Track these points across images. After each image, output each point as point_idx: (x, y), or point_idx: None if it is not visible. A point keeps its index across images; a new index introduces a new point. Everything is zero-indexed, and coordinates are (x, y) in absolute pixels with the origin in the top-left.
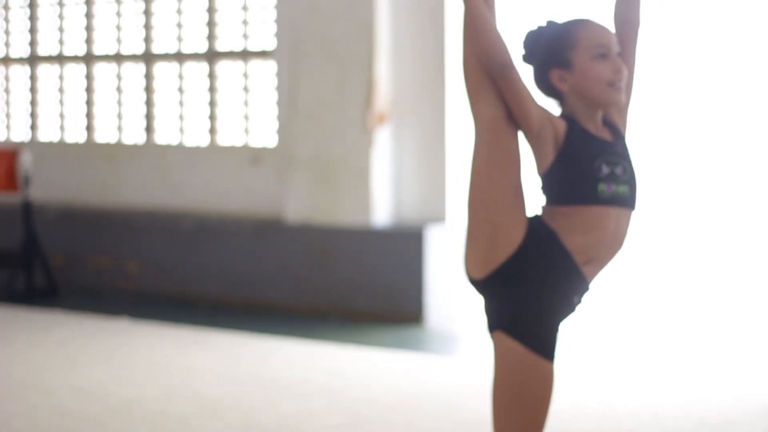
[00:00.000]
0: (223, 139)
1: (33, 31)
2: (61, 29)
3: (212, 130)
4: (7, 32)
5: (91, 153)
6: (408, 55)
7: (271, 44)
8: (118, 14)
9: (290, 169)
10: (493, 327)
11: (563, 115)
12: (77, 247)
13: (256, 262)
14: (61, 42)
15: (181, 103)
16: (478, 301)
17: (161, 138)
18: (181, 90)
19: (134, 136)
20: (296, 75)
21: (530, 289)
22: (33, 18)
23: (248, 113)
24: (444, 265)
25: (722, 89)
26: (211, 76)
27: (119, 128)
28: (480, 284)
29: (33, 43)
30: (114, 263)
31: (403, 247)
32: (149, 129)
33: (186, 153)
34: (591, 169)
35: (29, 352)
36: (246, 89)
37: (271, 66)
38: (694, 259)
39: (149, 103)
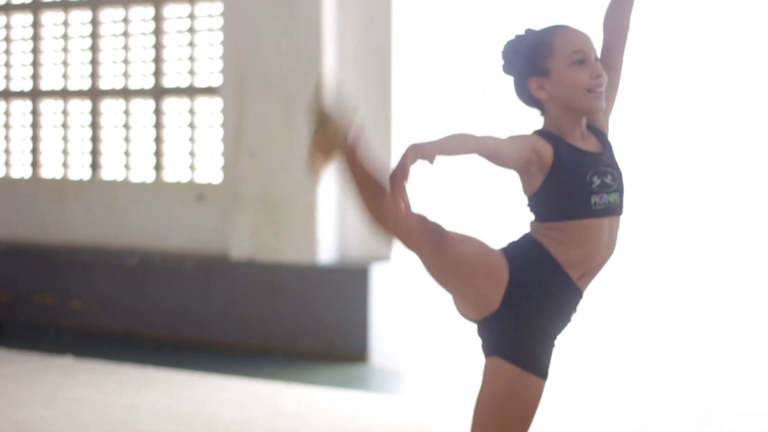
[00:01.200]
0: (169, 176)
1: None
2: (7, 65)
3: (158, 167)
4: None
5: (37, 189)
6: (354, 90)
7: (217, 81)
8: (65, 50)
9: (236, 206)
10: (489, 353)
11: (547, 132)
12: (22, 283)
13: (201, 299)
14: (7, 78)
15: (127, 139)
16: (423, 338)
17: (107, 174)
18: (127, 126)
19: (80, 171)
20: (242, 112)
21: (527, 313)
22: None
23: (194, 150)
24: (389, 303)
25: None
26: (158, 112)
27: (65, 164)
28: (477, 322)
29: None
30: (58, 300)
31: (348, 284)
32: (95, 165)
33: (132, 189)
34: (583, 184)
35: None
36: (192, 126)
37: (217, 103)
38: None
39: (95, 138)
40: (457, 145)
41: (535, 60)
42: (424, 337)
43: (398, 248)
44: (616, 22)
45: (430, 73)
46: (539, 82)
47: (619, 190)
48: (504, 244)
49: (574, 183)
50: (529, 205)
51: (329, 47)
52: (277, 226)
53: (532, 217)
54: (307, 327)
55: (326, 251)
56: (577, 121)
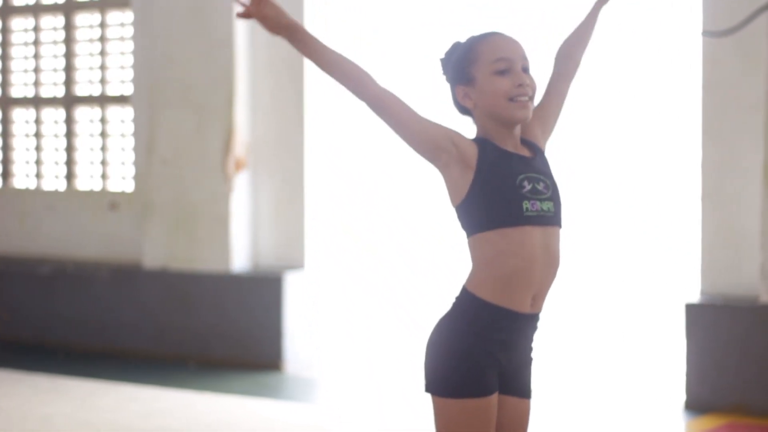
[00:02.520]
0: (82, 184)
1: None
2: None
3: (70, 175)
4: None
5: None
6: (266, 102)
7: (128, 90)
8: None
9: (148, 214)
10: (425, 389)
11: (477, 138)
12: None
13: (114, 308)
14: None
15: (38, 148)
16: (337, 346)
17: (19, 182)
18: (38, 134)
19: None
20: (154, 121)
21: (449, 355)
22: None
23: (106, 158)
24: (302, 311)
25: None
26: (69, 121)
27: None
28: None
29: None
30: None
31: (262, 293)
32: (6, 174)
33: (44, 198)
34: (513, 186)
35: None
36: (104, 134)
37: (128, 112)
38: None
39: (6, 147)
40: (335, 59)
41: (462, 68)
42: (337, 345)
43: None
44: (570, 57)
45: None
46: (465, 90)
47: (554, 199)
48: (440, 314)
49: (503, 186)
50: (459, 219)
51: (242, 55)
52: (191, 234)
53: (464, 234)
54: (221, 335)
55: (240, 259)
56: (507, 131)
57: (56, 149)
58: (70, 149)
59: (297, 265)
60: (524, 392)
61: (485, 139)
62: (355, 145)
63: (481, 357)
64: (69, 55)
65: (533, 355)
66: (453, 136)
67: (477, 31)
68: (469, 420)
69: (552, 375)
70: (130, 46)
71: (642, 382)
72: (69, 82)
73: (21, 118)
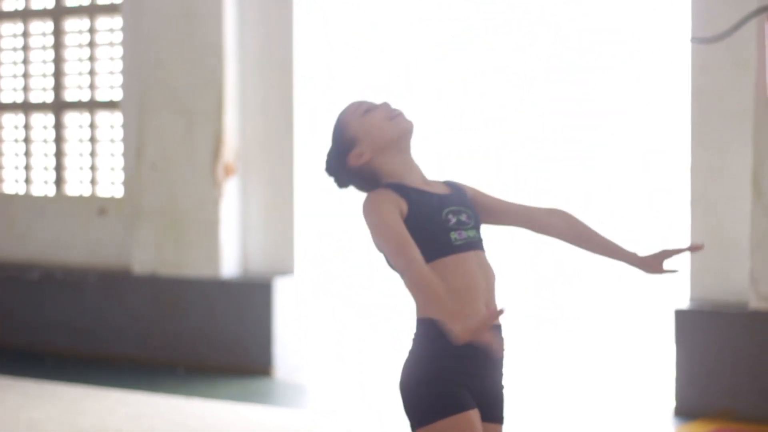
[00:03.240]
0: (71, 189)
1: None
2: None
3: (59, 180)
4: None
5: None
6: (256, 107)
7: (118, 95)
8: None
9: (137, 220)
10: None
11: (392, 184)
12: None
13: (103, 314)
14: None
15: (27, 153)
16: (327, 352)
17: (8, 188)
18: (27, 140)
19: None
20: (143, 126)
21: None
22: None
23: (95, 164)
24: (292, 316)
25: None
26: (58, 126)
27: None
28: None
29: None
30: None
31: (252, 298)
32: None
33: (33, 203)
34: (440, 221)
35: None
36: (93, 140)
37: (118, 117)
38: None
39: None
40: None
41: (342, 146)
42: (328, 351)
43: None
44: (553, 228)
45: (333, 86)
46: (354, 152)
47: (476, 227)
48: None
49: (431, 223)
50: (390, 260)
51: (230, 60)
52: (180, 239)
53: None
54: (211, 340)
55: (229, 265)
56: (405, 159)
57: (45, 154)
58: (59, 154)
59: (287, 270)
60: (496, 417)
61: (402, 185)
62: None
63: (450, 376)
64: (58, 61)
65: (504, 383)
66: (397, 207)
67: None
68: None
69: (543, 380)
70: (119, 51)
71: (632, 387)
72: (58, 88)
73: (10, 123)
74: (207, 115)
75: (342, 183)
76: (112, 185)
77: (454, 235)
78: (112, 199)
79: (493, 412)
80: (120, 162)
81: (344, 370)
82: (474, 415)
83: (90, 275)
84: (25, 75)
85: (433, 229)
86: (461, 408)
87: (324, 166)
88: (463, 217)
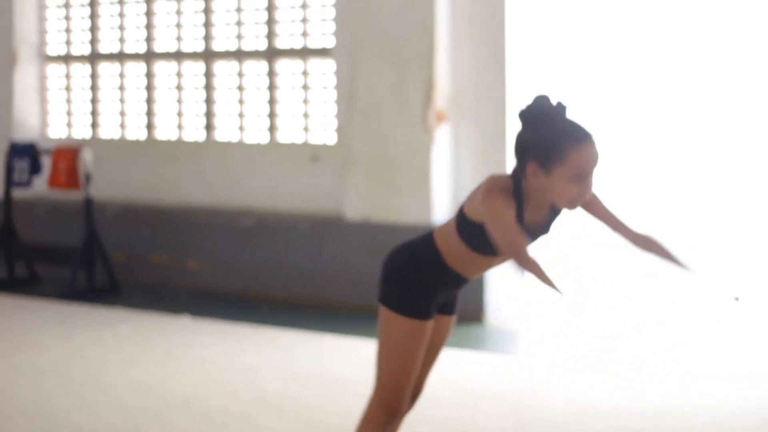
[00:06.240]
0: (283, 137)
1: (94, 29)
2: (121, 27)
3: (272, 128)
4: (68, 30)
5: (152, 151)
6: (467, 52)
7: (330, 42)
8: (178, 12)
9: (349, 167)
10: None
11: (518, 189)
12: (138, 244)
13: (315, 260)
14: (121, 40)
15: (241, 101)
16: (538, 299)
17: (221, 135)
18: (241, 88)
19: (194, 133)
20: (355, 73)
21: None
22: (94, 16)
23: (308, 111)
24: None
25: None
26: (271, 73)
27: (179, 126)
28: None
29: (94, 41)
30: (174, 260)
31: None
32: (209, 126)
33: (246, 150)
34: None
35: (90, 349)
36: (305, 87)
37: (330, 64)
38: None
39: (209, 100)
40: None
41: (544, 154)
42: (539, 298)
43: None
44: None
45: (544, 34)
46: (536, 171)
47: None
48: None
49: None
50: (459, 213)
51: (441, 8)
52: (391, 186)
53: (456, 228)
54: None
55: (440, 211)
56: (544, 206)
57: (258, 102)
58: (272, 102)
59: None
60: (453, 310)
61: (521, 203)
62: (557, 95)
63: (429, 290)
64: (270, 8)
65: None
66: (511, 208)
67: (569, 123)
68: (408, 335)
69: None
70: None
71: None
72: (270, 35)
73: (223, 71)
74: (418, 62)
75: (521, 136)
76: (324, 132)
77: None
78: (324, 146)
79: (451, 307)
80: (332, 109)
81: (555, 316)
82: (430, 324)
83: (302, 222)
84: (239, 23)
85: (491, 245)
86: (425, 316)
87: (530, 108)
88: (528, 240)
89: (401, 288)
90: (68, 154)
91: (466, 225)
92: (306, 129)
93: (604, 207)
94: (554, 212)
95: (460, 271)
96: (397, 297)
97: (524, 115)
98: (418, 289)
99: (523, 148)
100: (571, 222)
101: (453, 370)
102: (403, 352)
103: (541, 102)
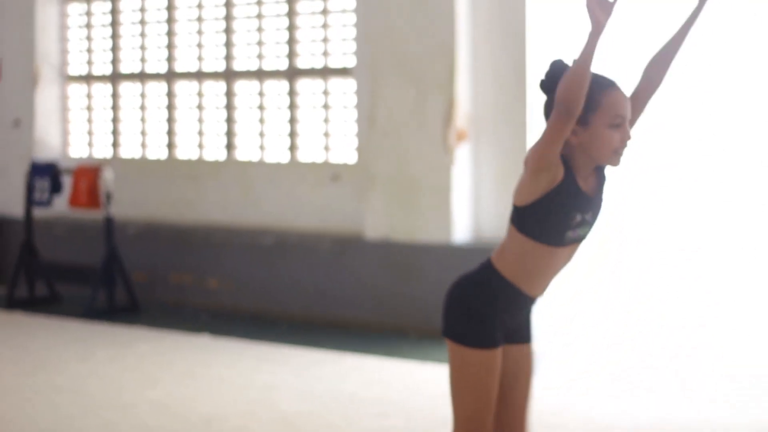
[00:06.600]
0: (304, 156)
1: (115, 49)
2: (143, 47)
3: (292, 147)
4: (89, 50)
5: (173, 170)
6: (487, 72)
7: (350, 62)
8: (200, 32)
9: (370, 186)
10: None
11: (564, 157)
12: (158, 263)
13: (335, 279)
14: (143, 60)
15: (261, 120)
16: (556, 315)
17: (242, 154)
18: (261, 107)
19: (215, 152)
20: (375, 92)
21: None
22: (115, 36)
23: (328, 130)
24: None
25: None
26: (292, 93)
27: (200, 145)
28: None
29: (115, 61)
30: (194, 279)
31: None
32: (230, 146)
33: (266, 169)
34: (566, 219)
35: (109, 368)
36: (326, 106)
37: (350, 83)
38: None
39: (230, 120)
40: (588, 75)
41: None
42: (556, 314)
43: None
44: (654, 76)
45: (565, 54)
46: (575, 128)
47: (592, 223)
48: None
49: (561, 215)
50: (513, 210)
51: (462, 28)
52: (412, 206)
53: (512, 223)
54: (442, 307)
55: (461, 231)
56: (591, 167)
57: (279, 121)
58: (292, 121)
59: None
60: (526, 338)
61: (570, 168)
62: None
63: (490, 316)
64: (291, 28)
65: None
66: (557, 161)
67: (592, 73)
68: (476, 366)
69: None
70: (352, 18)
71: None
72: (292, 55)
73: (244, 90)
74: (438, 82)
75: (548, 101)
76: (344, 151)
77: (568, 233)
78: (344, 165)
79: (522, 334)
80: (352, 128)
81: (572, 334)
82: (497, 352)
83: (323, 241)
84: (260, 43)
85: (557, 219)
86: (492, 344)
87: (548, 74)
88: (588, 216)
89: (462, 318)
90: (89, 173)
91: (522, 216)
92: (326, 148)
93: (635, 95)
94: (600, 180)
95: (524, 285)
96: (459, 328)
97: (546, 83)
98: (479, 316)
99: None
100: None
101: None
102: (474, 384)
103: (558, 65)
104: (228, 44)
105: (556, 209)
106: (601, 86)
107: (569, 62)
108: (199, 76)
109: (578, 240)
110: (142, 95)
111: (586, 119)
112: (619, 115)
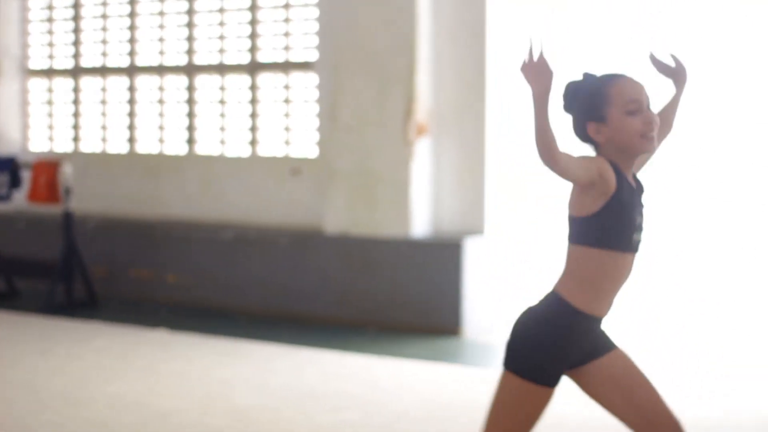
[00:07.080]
0: (264, 150)
1: (76, 43)
2: (104, 41)
3: (253, 142)
4: (50, 44)
5: (133, 164)
6: (448, 67)
7: (312, 56)
8: (161, 26)
9: (330, 180)
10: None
11: (611, 161)
12: (117, 258)
13: (295, 273)
14: (104, 54)
15: (222, 115)
16: (516, 312)
17: (203, 149)
18: (222, 101)
19: (176, 147)
20: (337, 87)
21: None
22: (76, 30)
23: (289, 125)
24: (482, 276)
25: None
26: (253, 87)
27: (161, 139)
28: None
29: (76, 55)
30: (154, 274)
31: (442, 258)
32: (191, 140)
33: (227, 164)
34: (631, 220)
35: (68, 363)
36: (287, 101)
37: (312, 78)
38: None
39: (191, 114)
40: (549, 134)
41: (593, 107)
42: (516, 311)
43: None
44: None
45: (525, 47)
46: (597, 127)
47: (643, 229)
48: (528, 305)
49: (626, 218)
50: (573, 226)
51: (423, 23)
52: (371, 200)
53: (571, 242)
54: (401, 300)
55: (420, 225)
56: (631, 161)
57: (240, 116)
58: (253, 115)
59: (477, 230)
60: (610, 346)
61: (619, 170)
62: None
63: (561, 352)
64: (253, 22)
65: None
66: (600, 168)
67: (599, 73)
68: (531, 402)
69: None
70: (314, 12)
71: None
72: (253, 49)
73: (205, 85)
74: (400, 77)
75: (573, 120)
76: (305, 146)
77: (636, 236)
78: (305, 160)
79: (603, 346)
80: (314, 123)
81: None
82: (552, 392)
83: (283, 235)
84: (221, 37)
85: (625, 223)
86: (555, 383)
87: (564, 95)
88: (641, 220)
89: (530, 354)
90: (48, 168)
91: (587, 227)
92: (287, 142)
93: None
94: (639, 187)
95: (594, 307)
96: (525, 364)
97: (566, 106)
98: (550, 355)
99: (577, 125)
100: None
101: (428, 384)
102: (522, 416)
103: (569, 86)
104: (189, 38)
105: (621, 211)
106: (605, 81)
107: (580, 76)
108: (161, 70)
109: (637, 245)
110: (103, 89)
111: (602, 115)
112: (633, 100)
